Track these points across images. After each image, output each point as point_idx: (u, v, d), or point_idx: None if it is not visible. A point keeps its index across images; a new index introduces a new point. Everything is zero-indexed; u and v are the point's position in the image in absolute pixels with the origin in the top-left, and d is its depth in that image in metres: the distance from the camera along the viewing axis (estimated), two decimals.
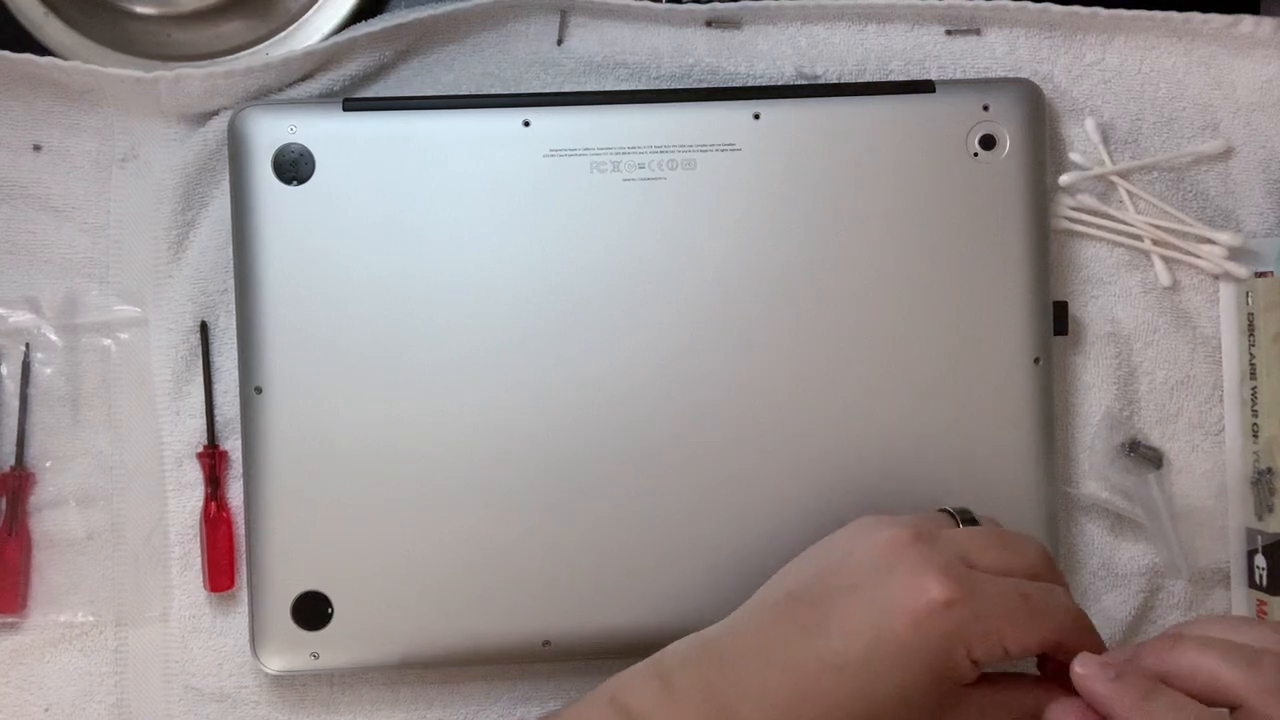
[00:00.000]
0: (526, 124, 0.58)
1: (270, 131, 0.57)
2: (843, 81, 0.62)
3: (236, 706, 0.60)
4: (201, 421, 0.61)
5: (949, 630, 0.45)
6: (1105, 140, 0.62)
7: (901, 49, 0.62)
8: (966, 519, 0.51)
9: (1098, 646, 0.48)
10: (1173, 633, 0.46)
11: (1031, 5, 0.61)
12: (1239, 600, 0.62)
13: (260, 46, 0.62)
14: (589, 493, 0.57)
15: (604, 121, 0.58)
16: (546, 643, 0.57)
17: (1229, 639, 0.44)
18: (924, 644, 0.45)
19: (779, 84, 0.62)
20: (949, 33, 0.62)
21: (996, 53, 0.62)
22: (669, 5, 0.61)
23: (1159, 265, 0.62)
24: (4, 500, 0.60)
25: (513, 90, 0.62)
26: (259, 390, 0.57)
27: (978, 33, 0.62)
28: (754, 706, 0.45)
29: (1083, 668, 0.45)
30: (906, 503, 0.58)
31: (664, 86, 0.62)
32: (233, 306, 0.58)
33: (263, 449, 0.57)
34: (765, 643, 0.47)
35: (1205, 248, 0.62)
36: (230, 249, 0.59)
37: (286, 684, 0.60)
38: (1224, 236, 0.62)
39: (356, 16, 0.62)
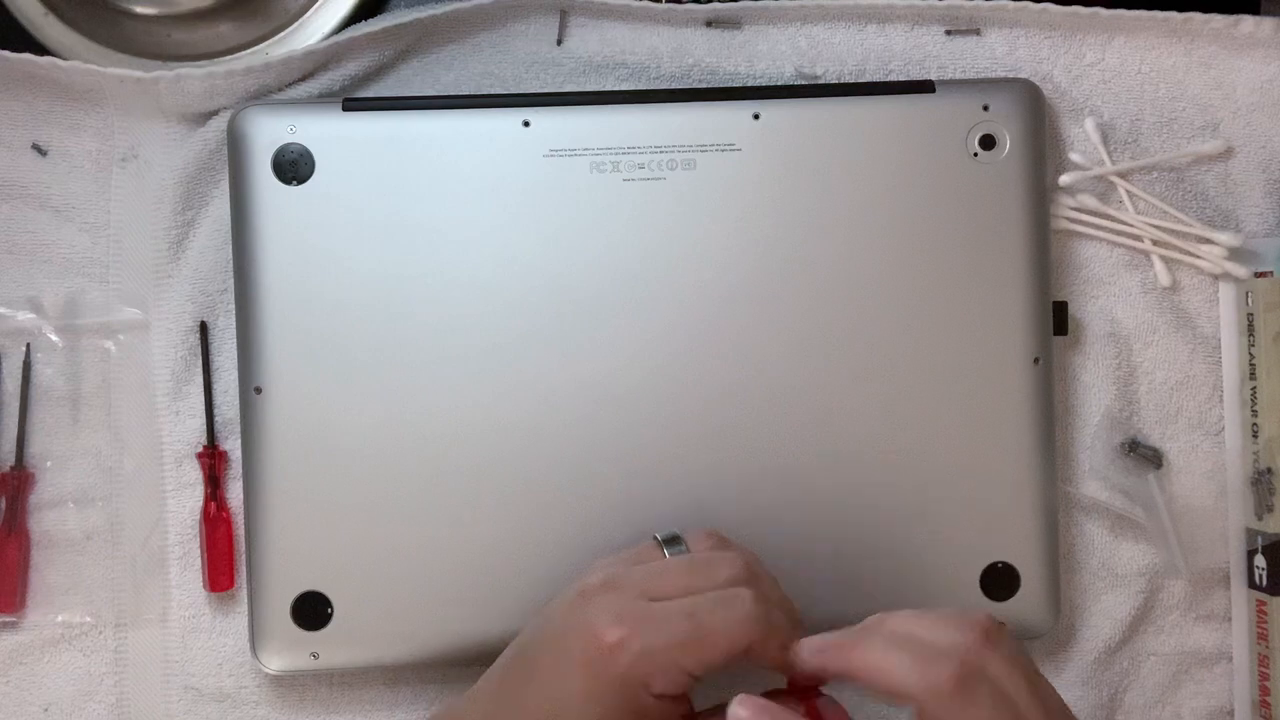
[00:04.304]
0: (526, 124, 0.58)
1: (270, 131, 0.57)
2: (843, 81, 0.62)
3: (236, 706, 0.60)
4: (201, 421, 0.61)
5: (621, 672, 0.45)
6: (1105, 140, 0.62)
7: (901, 49, 0.62)
8: (671, 546, 0.50)
9: (785, 643, 0.47)
10: (865, 625, 0.46)
11: (1031, 5, 0.61)
12: (1239, 600, 0.62)
13: (260, 46, 0.62)
14: (589, 492, 0.57)
15: (604, 121, 0.58)
16: None
17: (917, 636, 0.44)
18: (604, 690, 0.45)
19: (779, 84, 0.62)
20: (949, 33, 0.62)
21: (996, 53, 0.62)
22: (669, 5, 0.61)
23: (1159, 265, 0.62)
24: (3, 500, 0.60)
25: (513, 90, 0.62)
26: (259, 390, 0.57)
27: (978, 33, 0.62)
28: None
29: (741, 708, 0.44)
30: (906, 502, 0.58)
31: (664, 86, 0.62)
32: (233, 306, 0.58)
33: (262, 449, 0.57)
34: (493, 706, 0.48)
35: (1205, 248, 0.62)
36: (230, 249, 0.58)
37: (286, 684, 0.60)
38: (1224, 237, 0.62)
39: (356, 16, 0.61)
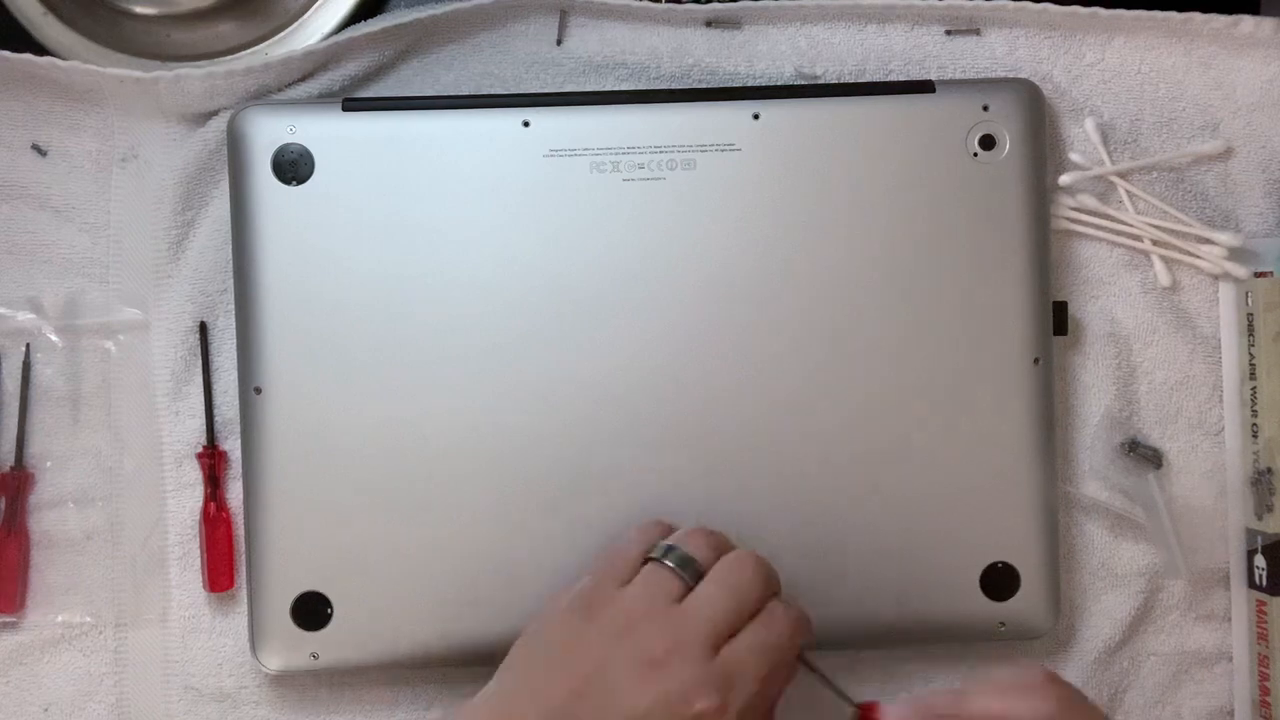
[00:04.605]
0: (526, 124, 0.58)
1: (270, 131, 0.57)
2: (843, 81, 0.62)
3: (236, 706, 0.60)
4: (201, 422, 0.61)
5: None
6: (1105, 140, 0.62)
7: (901, 49, 0.62)
8: (685, 569, 0.50)
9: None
10: (957, 689, 0.47)
11: (1031, 5, 0.61)
12: (1239, 600, 0.62)
13: (260, 46, 0.62)
14: (588, 492, 0.57)
15: (604, 121, 0.58)
16: None
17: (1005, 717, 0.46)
18: None
19: (779, 84, 0.62)
20: (949, 33, 0.62)
21: (996, 53, 0.62)
22: (669, 5, 0.61)
23: (1159, 265, 0.62)
24: (3, 500, 0.60)
25: (513, 90, 0.62)
26: (259, 390, 0.57)
27: (977, 33, 0.62)
28: None
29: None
30: (906, 502, 0.58)
31: (664, 86, 0.62)
32: (232, 306, 0.58)
33: (262, 449, 0.57)
34: None
35: (1205, 248, 0.62)
36: (230, 249, 0.58)
37: (286, 684, 0.60)
38: (1224, 237, 0.62)
39: (356, 16, 0.61)
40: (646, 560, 0.51)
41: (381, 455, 0.57)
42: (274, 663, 0.58)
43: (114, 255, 0.61)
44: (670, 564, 0.50)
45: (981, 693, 0.46)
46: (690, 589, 0.49)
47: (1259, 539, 0.61)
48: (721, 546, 0.51)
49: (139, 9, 0.63)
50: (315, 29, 0.62)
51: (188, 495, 0.61)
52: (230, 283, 0.59)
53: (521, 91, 0.62)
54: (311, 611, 0.57)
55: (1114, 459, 0.62)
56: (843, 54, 0.62)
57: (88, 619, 0.60)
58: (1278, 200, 0.63)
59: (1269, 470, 0.61)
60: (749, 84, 0.62)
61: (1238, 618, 0.62)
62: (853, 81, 0.62)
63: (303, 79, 0.60)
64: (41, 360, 0.60)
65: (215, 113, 0.60)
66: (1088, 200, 0.62)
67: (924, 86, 0.59)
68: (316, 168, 0.57)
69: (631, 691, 0.46)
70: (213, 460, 0.60)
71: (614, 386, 0.57)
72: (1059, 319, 0.60)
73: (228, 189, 0.58)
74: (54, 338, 0.60)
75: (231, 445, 0.60)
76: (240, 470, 0.59)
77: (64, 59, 0.60)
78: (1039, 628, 0.60)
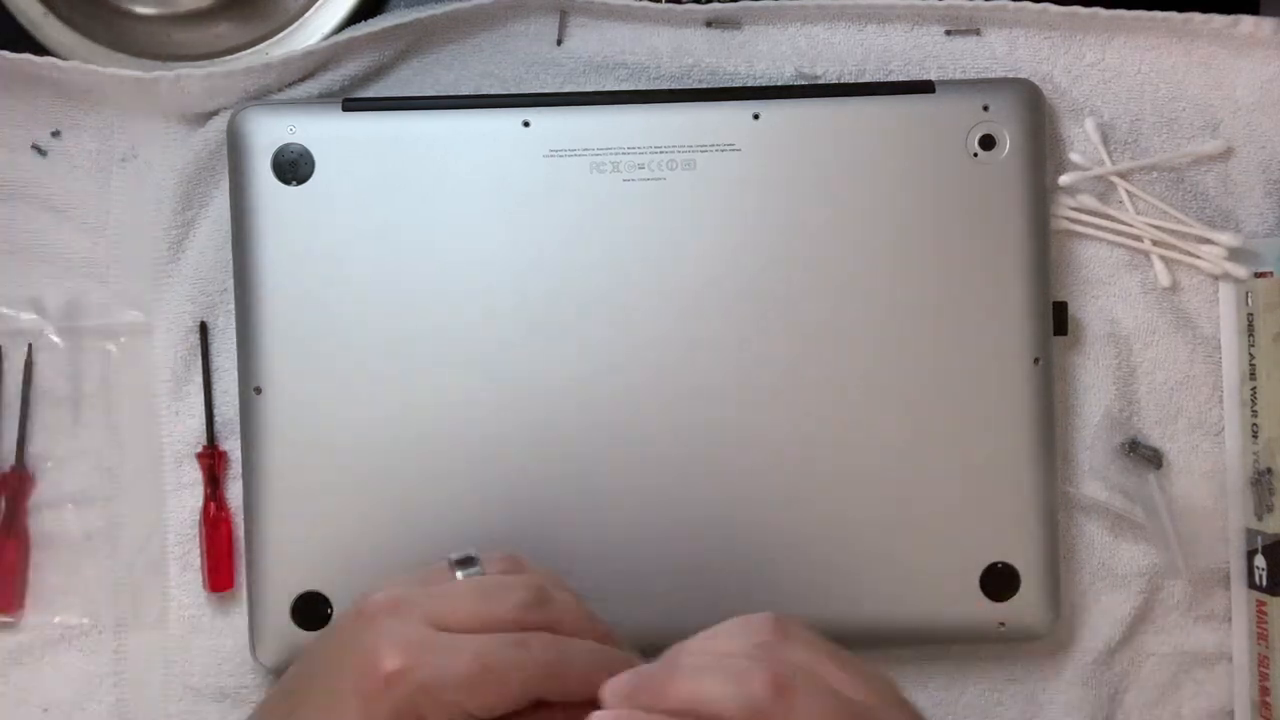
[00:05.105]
0: (526, 124, 0.58)
1: (270, 131, 0.57)
2: (843, 82, 0.62)
3: (236, 706, 0.60)
4: (201, 422, 0.61)
5: (396, 706, 0.42)
6: (1105, 140, 0.62)
7: (901, 49, 0.62)
8: (465, 567, 0.47)
9: (589, 682, 0.43)
10: (665, 660, 0.43)
11: (1031, 5, 0.61)
12: (1239, 600, 0.62)
13: (260, 46, 0.62)
14: (589, 493, 0.57)
15: (604, 121, 0.58)
16: None
17: (718, 654, 0.42)
18: None
19: (779, 84, 0.62)
20: (949, 33, 0.62)
21: (996, 53, 0.62)
22: (669, 5, 0.61)
23: (1159, 266, 0.62)
24: (3, 500, 0.60)
25: (513, 90, 0.62)
26: (259, 390, 0.57)
27: (977, 33, 0.62)
28: None
29: None
30: (906, 502, 0.58)
31: (664, 87, 0.62)
32: (232, 306, 0.58)
33: (262, 449, 0.57)
34: None
35: (1205, 248, 0.62)
36: (230, 249, 0.59)
37: None
38: (1224, 237, 0.62)
39: (356, 16, 0.61)
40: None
41: (381, 455, 0.57)
42: (274, 663, 0.58)
43: (114, 255, 0.61)
44: (452, 558, 0.47)
45: (691, 670, 0.41)
46: None
47: (1259, 539, 0.61)
48: (515, 569, 0.48)
49: (139, 9, 0.63)
50: (315, 29, 0.62)
51: (188, 495, 0.61)
52: (230, 283, 0.59)
53: (521, 91, 0.62)
54: (311, 611, 0.57)
55: (1114, 459, 0.62)
56: (843, 54, 0.62)
57: (87, 619, 0.60)
58: (1278, 200, 0.63)
59: (1269, 470, 0.61)
60: (749, 84, 0.62)
61: (1238, 618, 0.62)
62: (853, 81, 0.62)
63: (303, 79, 0.60)
64: (43, 361, 0.60)
65: (215, 113, 0.60)
66: (1088, 200, 0.62)
67: (924, 86, 0.59)
68: (316, 168, 0.57)
69: (338, 638, 0.45)
70: (213, 460, 0.60)
71: (615, 386, 0.57)
72: (1059, 319, 0.60)
73: (228, 189, 0.58)
74: (55, 338, 0.60)
75: (231, 445, 0.60)
76: (240, 470, 0.59)
77: (64, 59, 0.60)
78: (1039, 628, 0.60)
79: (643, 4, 0.61)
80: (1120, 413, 0.62)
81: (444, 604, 0.44)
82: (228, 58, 0.62)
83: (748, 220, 0.58)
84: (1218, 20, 0.62)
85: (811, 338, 0.58)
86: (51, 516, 0.60)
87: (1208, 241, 0.62)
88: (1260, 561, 0.61)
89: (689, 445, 0.58)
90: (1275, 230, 0.63)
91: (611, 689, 0.42)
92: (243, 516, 0.59)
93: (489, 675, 0.42)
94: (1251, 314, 0.62)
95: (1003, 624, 0.59)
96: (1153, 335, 0.63)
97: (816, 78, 0.62)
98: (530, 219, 0.57)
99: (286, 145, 0.57)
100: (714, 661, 0.41)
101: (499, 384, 0.57)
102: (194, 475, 0.61)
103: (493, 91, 0.62)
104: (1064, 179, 0.62)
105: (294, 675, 0.47)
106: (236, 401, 0.59)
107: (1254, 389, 0.62)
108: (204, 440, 0.60)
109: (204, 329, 0.61)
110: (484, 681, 0.42)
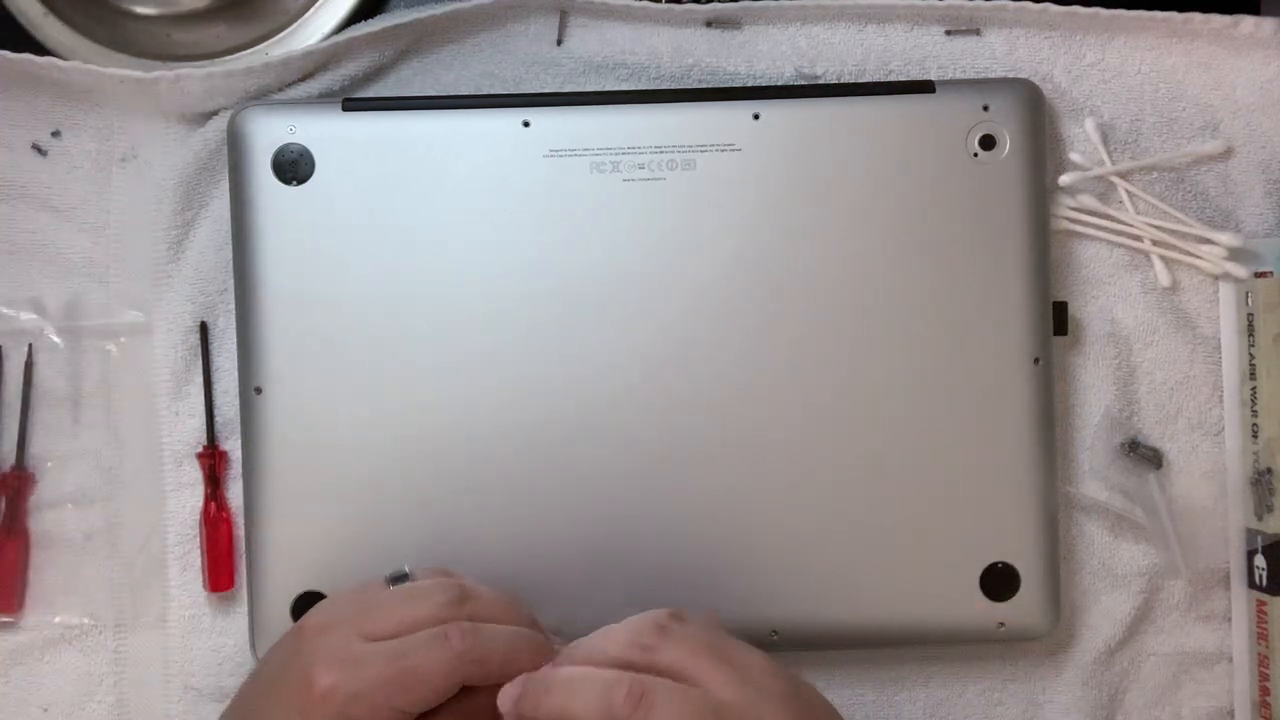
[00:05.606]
0: (526, 124, 0.58)
1: (270, 132, 0.57)
2: (843, 81, 0.62)
3: None
4: (201, 422, 0.61)
5: (332, 716, 0.45)
6: (1105, 140, 0.62)
7: (901, 49, 0.62)
8: (396, 582, 0.50)
9: (511, 664, 0.47)
10: (558, 662, 0.46)
11: (1031, 5, 0.61)
12: (1239, 600, 0.62)
13: (260, 46, 0.62)
14: (589, 493, 0.57)
15: (604, 121, 0.58)
16: None
17: (595, 662, 0.45)
18: None
19: (779, 84, 0.62)
20: (949, 33, 0.62)
21: (996, 53, 0.62)
22: (669, 5, 0.61)
23: (1159, 266, 0.62)
24: (3, 500, 0.60)
25: (513, 90, 0.62)
26: (259, 390, 0.57)
27: (978, 33, 0.62)
28: None
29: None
30: (906, 502, 0.58)
31: (664, 86, 0.62)
32: (233, 306, 0.58)
33: (262, 449, 0.57)
34: None
35: (1205, 248, 0.62)
36: (230, 249, 0.59)
37: None
38: (1224, 237, 0.62)
39: (356, 16, 0.61)
40: None
41: (381, 455, 0.57)
42: None
43: (114, 255, 0.61)
44: (387, 575, 0.51)
45: (564, 683, 0.44)
46: None
47: (1259, 539, 0.61)
48: (442, 575, 0.51)
49: (139, 9, 0.63)
50: (315, 29, 0.62)
51: (188, 495, 0.61)
52: (230, 283, 0.59)
53: (521, 91, 0.62)
54: None
55: (1114, 459, 0.62)
56: (843, 54, 0.62)
57: (87, 619, 0.60)
58: (1278, 200, 0.63)
59: (1269, 470, 0.61)
60: (749, 84, 0.62)
61: (1238, 618, 0.62)
62: (853, 81, 0.62)
63: (303, 79, 0.60)
64: (43, 361, 0.60)
65: (215, 113, 0.60)
66: (1088, 200, 0.62)
67: (924, 86, 0.59)
68: (316, 168, 0.57)
69: (277, 659, 0.48)
70: (213, 460, 0.60)
71: (615, 386, 0.57)
72: (1059, 319, 0.60)
73: (228, 189, 0.58)
74: (55, 338, 0.60)
75: (231, 445, 0.60)
76: (240, 470, 0.59)
77: (64, 59, 0.60)
78: (1039, 628, 0.60)
79: (643, 4, 0.61)
80: (1120, 413, 0.62)
81: (371, 616, 0.47)
82: (228, 58, 0.62)
83: (748, 220, 0.58)
84: (1218, 20, 0.62)
85: (811, 337, 0.58)
86: (51, 516, 0.60)
87: (1208, 241, 0.62)
88: (1260, 561, 0.61)
89: (689, 445, 0.58)
90: (1275, 230, 0.63)
91: (501, 695, 0.45)
92: (243, 516, 0.59)
93: (410, 674, 0.45)
94: (1251, 314, 0.62)
95: (1003, 624, 0.59)
96: (1153, 335, 0.63)
97: (816, 78, 0.62)
98: (530, 219, 0.57)
99: (286, 145, 0.57)
100: (583, 675, 0.44)
101: (499, 384, 0.57)
102: (194, 475, 0.61)
103: (493, 91, 0.62)
104: (1064, 179, 0.62)
105: (243, 694, 0.50)
106: (236, 401, 0.59)
107: (1254, 389, 0.62)
108: (204, 440, 0.60)
109: (204, 329, 0.61)
110: (406, 680, 0.45)
